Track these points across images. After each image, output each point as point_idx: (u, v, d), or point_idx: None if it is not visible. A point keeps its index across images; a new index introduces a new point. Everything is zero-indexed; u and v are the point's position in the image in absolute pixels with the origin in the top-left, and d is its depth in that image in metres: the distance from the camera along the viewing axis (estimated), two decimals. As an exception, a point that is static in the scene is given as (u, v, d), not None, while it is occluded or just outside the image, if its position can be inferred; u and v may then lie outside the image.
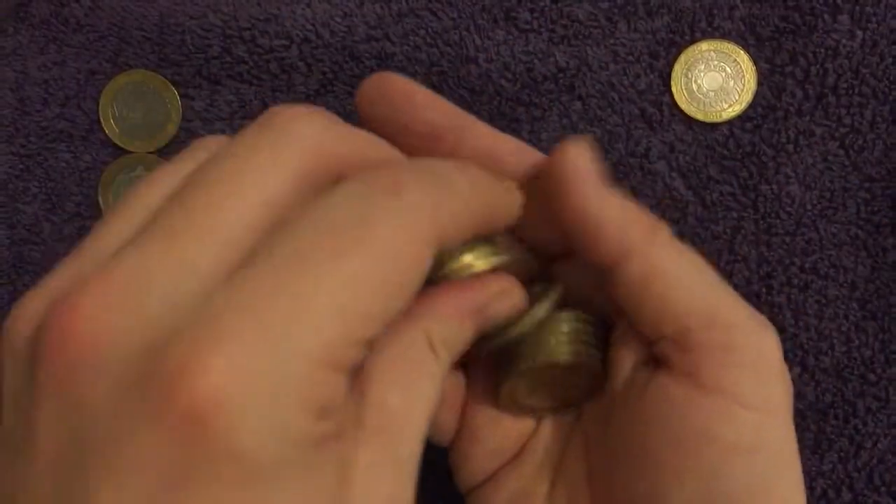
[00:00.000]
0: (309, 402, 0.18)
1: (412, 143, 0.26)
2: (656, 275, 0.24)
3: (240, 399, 0.17)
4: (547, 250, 0.27)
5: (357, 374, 0.21)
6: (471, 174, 0.23)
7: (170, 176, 0.22)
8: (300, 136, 0.22)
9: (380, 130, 0.25)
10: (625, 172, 0.38)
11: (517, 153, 0.26)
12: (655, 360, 0.25)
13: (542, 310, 0.26)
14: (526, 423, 0.28)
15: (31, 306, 0.20)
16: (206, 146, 0.23)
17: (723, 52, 0.37)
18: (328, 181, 0.21)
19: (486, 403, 0.28)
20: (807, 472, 0.37)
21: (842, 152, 0.37)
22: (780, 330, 0.37)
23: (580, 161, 0.25)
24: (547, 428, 0.28)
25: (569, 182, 0.25)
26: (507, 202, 0.25)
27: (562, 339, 0.26)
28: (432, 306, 0.23)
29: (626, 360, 0.26)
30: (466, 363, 0.29)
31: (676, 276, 0.24)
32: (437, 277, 0.24)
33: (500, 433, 0.28)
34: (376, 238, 0.19)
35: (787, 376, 0.24)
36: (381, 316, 0.20)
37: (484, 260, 0.24)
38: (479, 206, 0.23)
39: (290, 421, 0.18)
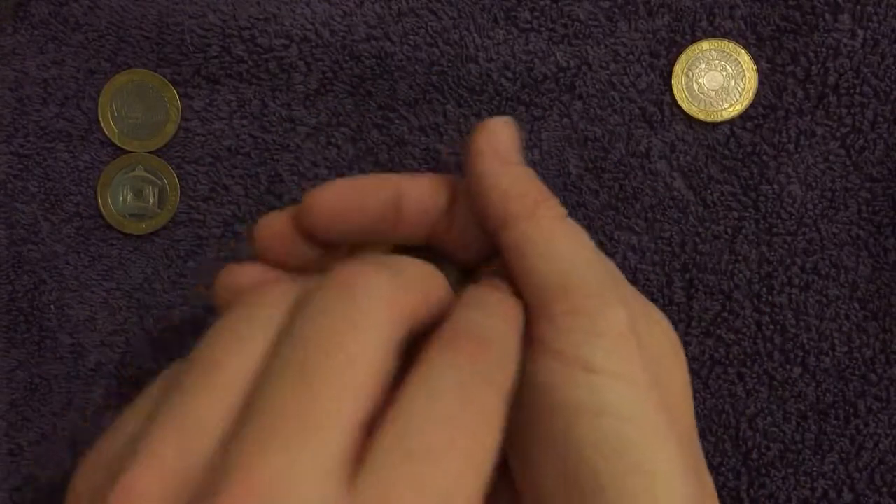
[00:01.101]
0: None
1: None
2: (526, 245, 0.26)
3: None
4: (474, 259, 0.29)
5: None
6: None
7: (246, 344, 0.21)
8: (379, 304, 0.21)
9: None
10: (625, 172, 0.38)
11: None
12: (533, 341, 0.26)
13: None
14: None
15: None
16: (267, 301, 0.23)
17: (724, 52, 0.37)
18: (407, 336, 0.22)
19: None
20: (808, 473, 0.37)
21: (843, 152, 0.37)
22: (782, 330, 0.37)
23: (492, 136, 0.27)
24: None
25: (475, 154, 0.27)
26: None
27: None
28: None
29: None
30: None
31: (544, 247, 0.25)
32: None
33: None
34: (484, 417, 0.21)
35: (644, 348, 0.25)
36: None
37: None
38: None
39: None
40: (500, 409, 0.22)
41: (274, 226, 0.27)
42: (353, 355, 0.20)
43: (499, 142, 0.27)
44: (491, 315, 0.24)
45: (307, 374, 0.20)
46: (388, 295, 0.21)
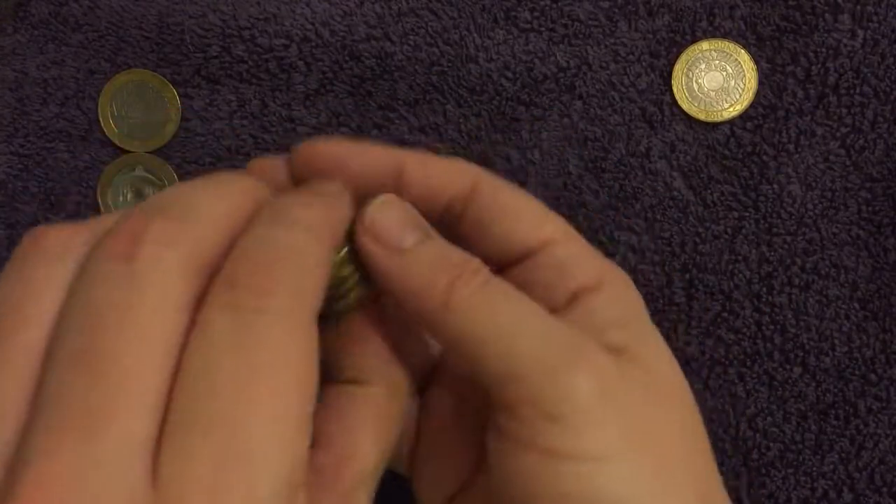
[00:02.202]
0: None
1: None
2: (456, 338, 0.23)
3: None
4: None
5: None
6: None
7: (35, 309, 0.20)
8: (166, 265, 0.20)
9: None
10: (625, 172, 0.38)
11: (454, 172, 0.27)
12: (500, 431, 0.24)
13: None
14: (481, 449, 0.28)
15: None
16: (46, 252, 0.21)
17: (724, 52, 0.37)
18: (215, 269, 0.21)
19: (439, 429, 0.28)
20: (808, 473, 0.37)
21: (843, 152, 0.37)
22: (782, 330, 0.37)
23: (372, 227, 0.24)
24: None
25: (364, 255, 0.24)
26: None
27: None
28: (356, 440, 0.23)
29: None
30: (423, 389, 0.29)
31: (475, 333, 0.23)
32: (334, 311, 0.24)
33: (454, 457, 0.28)
34: (280, 355, 0.19)
35: (623, 410, 0.23)
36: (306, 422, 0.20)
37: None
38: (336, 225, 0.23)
39: None
40: (300, 338, 0.20)
41: (265, 168, 0.26)
42: (143, 328, 0.19)
43: (381, 229, 0.24)
44: (288, 226, 0.21)
45: (95, 355, 0.18)
46: (175, 253, 0.20)
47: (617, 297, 0.26)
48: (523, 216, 0.26)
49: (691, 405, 0.25)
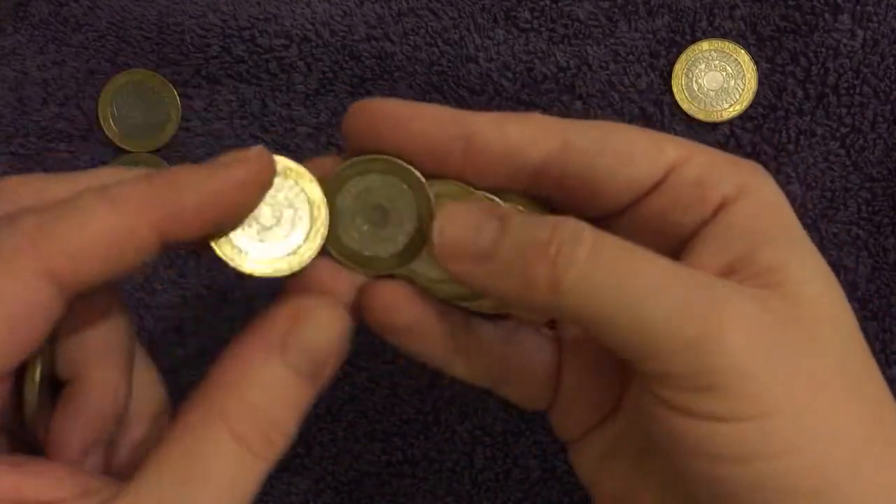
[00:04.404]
0: None
1: (422, 161, 0.25)
2: (585, 324, 0.22)
3: None
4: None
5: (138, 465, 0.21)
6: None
7: None
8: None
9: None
10: (625, 172, 0.38)
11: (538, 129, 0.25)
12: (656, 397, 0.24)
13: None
14: (618, 380, 0.27)
15: None
16: None
17: (723, 52, 0.37)
18: None
19: (580, 366, 0.27)
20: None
21: (843, 152, 0.37)
22: (781, 330, 0.37)
23: (444, 237, 0.23)
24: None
25: (454, 274, 0.24)
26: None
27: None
28: (233, 377, 0.22)
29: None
30: (554, 324, 0.27)
31: (604, 318, 0.22)
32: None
33: (596, 393, 0.27)
34: None
35: (774, 358, 0.22)
36: None
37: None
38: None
39: None
40: (17, 282, 0.20)
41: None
42: None
43: (454, 248, 0.23)
44: (99, 191, 0.21)
45: None
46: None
47: (761, 204, 0.24)
48: (635, 154, 0.24)
49: (848, 325, 0.23)
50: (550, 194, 0.25)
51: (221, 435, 0.21)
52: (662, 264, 0.22)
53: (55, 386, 0.25)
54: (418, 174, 0.25)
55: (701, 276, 0.22)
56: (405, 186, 0.25)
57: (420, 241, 0.25)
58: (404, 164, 0.25)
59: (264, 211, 0.25)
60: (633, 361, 0.22)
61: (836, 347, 0.23)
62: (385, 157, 0.25)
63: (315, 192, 0.25)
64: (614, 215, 0.25)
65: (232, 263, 0.24)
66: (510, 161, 0.24)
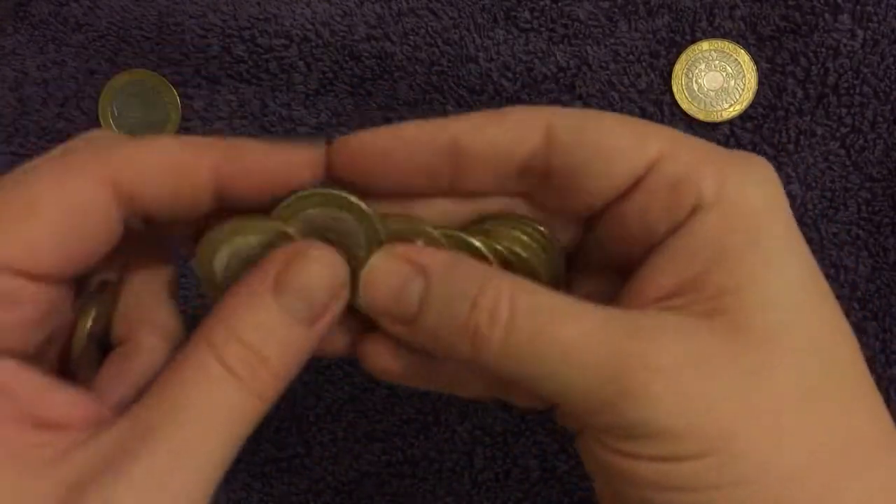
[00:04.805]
0: None
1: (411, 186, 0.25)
2: (508, 380, 0.23)
3: None
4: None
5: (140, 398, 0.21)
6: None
7: None
8: None
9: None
10: (625, 172, 0.38)
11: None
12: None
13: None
14: None
15: None
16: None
17: (723, 52, 0.37)
18: None
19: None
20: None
21: (843, 152, 0.37)
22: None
23: (372, 305, 0.24)
24: None
25: (381, 325, 0.24)
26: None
27: None
28: (226, 311, 0.22)
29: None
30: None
31: (526, 378, 0.22)
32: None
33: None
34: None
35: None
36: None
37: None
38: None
39: None
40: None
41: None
42: None
43: (379, 308, 0.24)
44: (64, 150, 0.23)
45: None
46: None
47: (736, 212, 0.23)
48: (618, 145, 0.23)
49: (815, 344, 0.22)
50: (538, 191, 0.25)
51: (209, 362, 0.21)
52: (582, 323, 0.22)
53: (105, 348, 0.26)
54: (363, 205, 0.24)
55: (626, 321, 0.22)
56: (351, 218, 0.24)
57: None
58: (344, 195, 0.24)
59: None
60: (566, 413, 0.23)
61: (786, 380, 0.22)
62: (325, 190, 0.24)
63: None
64: (599, 213, 0.25)
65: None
66: (497, 163, 0.24)
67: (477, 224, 0.25)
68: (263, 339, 0.22)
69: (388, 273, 0.24)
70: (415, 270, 0.23)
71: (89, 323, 0.25)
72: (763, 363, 0.22)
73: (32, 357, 0.23)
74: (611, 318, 0.22)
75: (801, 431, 0.22)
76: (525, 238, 0.25)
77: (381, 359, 0.25)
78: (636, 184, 0.24)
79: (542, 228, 0.25)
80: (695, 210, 0.23)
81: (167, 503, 0.20)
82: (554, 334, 0.22)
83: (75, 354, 0.25)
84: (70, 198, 0.22)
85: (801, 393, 0.22)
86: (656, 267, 0.23)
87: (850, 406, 0.22)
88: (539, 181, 0.24)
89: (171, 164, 0.23)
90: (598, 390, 0.21)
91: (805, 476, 0.21)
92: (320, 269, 0.23)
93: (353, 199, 0.24)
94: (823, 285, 0.23)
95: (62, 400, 0.22)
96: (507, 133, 0.24)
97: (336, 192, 0.24)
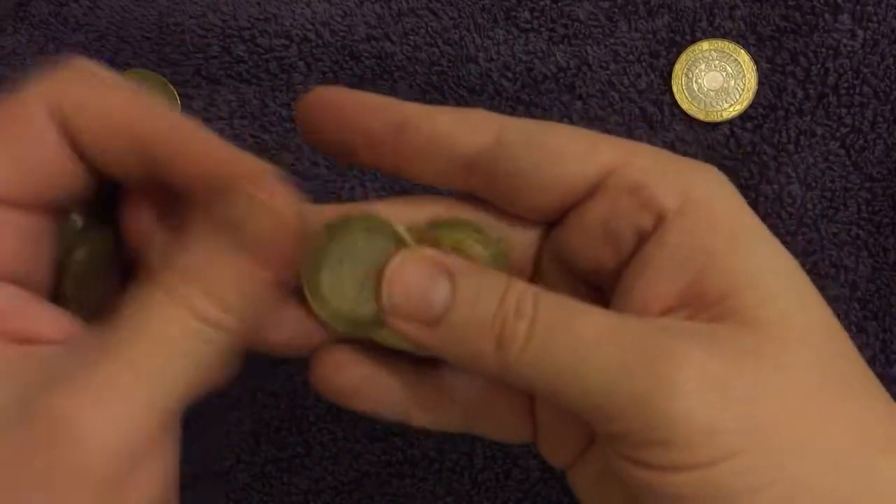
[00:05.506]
0: None
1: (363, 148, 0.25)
2: (533, 391, 0.23)
3: None
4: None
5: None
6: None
7: None
8: None
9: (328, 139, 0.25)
10: (625, 172, 0.38)
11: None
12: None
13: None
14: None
15: None
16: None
17: (723, 52, 0.37)
18: None
19: (548, 406, 0.27)
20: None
21: (843, 152, 0.37)
22: (781, 330, 0.37)
23: (394, 307, 0.23)
24: None
25: (400, 331, 0.23)
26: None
27: None
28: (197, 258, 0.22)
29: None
30: None
31: (552, 387, 0.22)
32: None
33: (567, 430, 0.27)
34: None
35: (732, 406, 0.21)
36: None
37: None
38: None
39: None
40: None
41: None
42: None
43: (404, 308, 0.23)
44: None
45: None
46: None
47: (710, 216, 0.23)
48: (568, 151, 0.23)
49: (821, 333, 0.22)
50: (484, 193, 0.25)
51: (152, 291, 0.22)
52: (602, 322, 0.22)
53: (125, 273, 0.26)
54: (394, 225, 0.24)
55: (644, 326, 0.22)
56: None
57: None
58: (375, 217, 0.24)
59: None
60: (588, 421, 0.22)
61: (807, 366, 0.22)
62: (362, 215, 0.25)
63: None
64: (555, 222, 0.25)
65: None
66: (439, 152, 0.24)
67: (426, 232, 0.25)
68: (205, 268, 0.22)
69: (415, 273, 0.23)
70: (440, 271, 0.23)
71: (78, 259, 0.25)
72: (778, 361, 0.21)
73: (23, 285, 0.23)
74: (631, 322, 0.22)
75: (836, 416, 0.21)
76: (478, 247, 0.25)
77: (334, 370, 0.25)
78: (594, 192, 0.23)
79: (493, 237, 0.25)
80: (663, 217, 0.23)
81: (124, 409, 0.20)
82: (581, 327, 0.21)
83: (68, 291, 0.25)
84: (19, 129, 0.23)
85: (821, 377, 0.22)
86: (651, 283, 0.23)
87: (863, 385, 0.22)
88: (487, 181, 0.24)
89: (114, 120, 0.23)
90: (627, 385, 0.21)
91: (847, 460, 0.21)
92: (260, 201, 0.23)
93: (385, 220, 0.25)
94: (800, 269, 0.24)
95: (41, 316, 0.22)
96: (457, 124, 0.24)
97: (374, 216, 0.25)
